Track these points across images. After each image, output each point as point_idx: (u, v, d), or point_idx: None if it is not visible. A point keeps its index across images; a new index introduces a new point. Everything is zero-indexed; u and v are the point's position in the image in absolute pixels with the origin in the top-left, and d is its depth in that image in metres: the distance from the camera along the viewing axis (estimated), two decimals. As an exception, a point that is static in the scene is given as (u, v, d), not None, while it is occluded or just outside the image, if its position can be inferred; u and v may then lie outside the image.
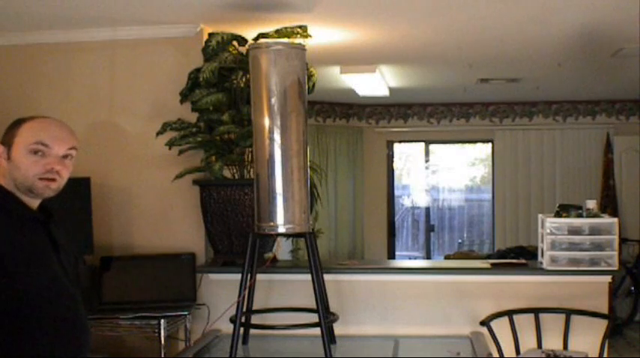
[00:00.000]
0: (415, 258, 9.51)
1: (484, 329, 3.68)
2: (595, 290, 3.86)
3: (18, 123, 2.05)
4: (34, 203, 2.06)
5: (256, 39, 3.69)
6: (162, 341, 3.63)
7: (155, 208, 4.17)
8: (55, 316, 1.99)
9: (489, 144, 8.69)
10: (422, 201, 9.53)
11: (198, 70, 3.84)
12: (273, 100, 3.13)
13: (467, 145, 9.91)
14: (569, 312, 3.78)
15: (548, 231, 3.84)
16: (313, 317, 3.25)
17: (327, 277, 3.53)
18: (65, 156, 2.04)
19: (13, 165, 2.01)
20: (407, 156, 9.97)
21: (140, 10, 3.80)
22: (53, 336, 1.98)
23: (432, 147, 9.17)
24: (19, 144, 2.01)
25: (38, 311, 1.95)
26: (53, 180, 2.02)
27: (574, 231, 3.84)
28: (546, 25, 4.25)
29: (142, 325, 3.67)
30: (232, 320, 3.26)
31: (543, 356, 3.66)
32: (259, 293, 3.63)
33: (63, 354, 1.99)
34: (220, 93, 3.79)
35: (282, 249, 4.28)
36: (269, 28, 3.70)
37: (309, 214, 3.27)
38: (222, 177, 3.84)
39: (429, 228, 9.34)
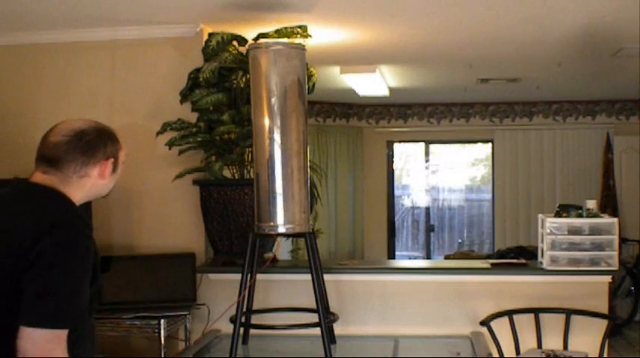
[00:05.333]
0: (415, 258, 9.50)
1: (484, 329, 3.68)
2: (595, 290, 3.86)
3: (115, 135, 2.09)
4: None
5: (256, 39, 3.69)
6: (163, 341, 3.63)
7: (155, 208, 4.18)
8: (90, 320, 2.05)
9: (489, 144, 8.69)
10: (422, 201, 9.53)
11: (198, 70, 3.84)
12: (273, 100, 3.13)
13: (467, 145, 9.90)
14: (569, 312, 3.78)
15: (548, 231, 3.84)
16: (313, 317, 3.25)
17: (327, 277, 3.53)
18: None
19: (114, 177, 2.09)
20: (407, 156, 9.97)
21: (140, 10, 3.80)
22: (91, 338, 2.03)
23: (432, 147, 9.17)
24: (121, 159, 2.10)
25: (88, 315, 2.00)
26: None
27: (574, 231, 3.84)
28: (546, 25, 4.25)
29: (142, 325, 3.67)
30: (232, 320, 3.26)
31: (543, 356, 3.66)
32: (259, 293, 3.63)
33: (96, 354, 2.05)
34: (220, 93, 3.79)
35: (282, 249, 4.28)
36: (269, 28, 3.70)
37: (309, 214, 3.27)
38: (222, 177, 3.84)
39: (429, 228, 9.34)
